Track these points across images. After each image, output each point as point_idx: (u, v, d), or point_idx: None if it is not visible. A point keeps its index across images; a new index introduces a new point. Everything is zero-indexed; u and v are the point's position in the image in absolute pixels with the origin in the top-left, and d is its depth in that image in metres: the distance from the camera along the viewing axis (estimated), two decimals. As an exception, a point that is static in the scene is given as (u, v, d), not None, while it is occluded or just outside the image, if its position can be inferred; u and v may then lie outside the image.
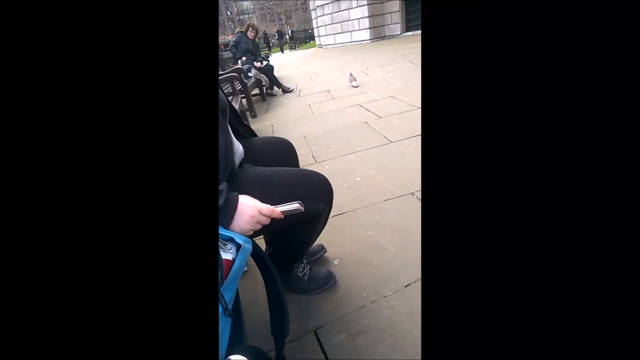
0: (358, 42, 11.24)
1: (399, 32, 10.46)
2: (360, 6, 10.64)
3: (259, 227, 0.61)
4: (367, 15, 10.53)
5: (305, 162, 2.07)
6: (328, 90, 4.27)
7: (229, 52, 4.71)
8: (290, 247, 0.94)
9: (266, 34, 15.79)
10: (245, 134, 0.96)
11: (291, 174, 0.82)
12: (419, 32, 7.69)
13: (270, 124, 3.24)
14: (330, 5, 12.11)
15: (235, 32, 5.05)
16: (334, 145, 2.30)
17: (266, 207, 0.61)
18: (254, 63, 4.58)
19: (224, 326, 0.47)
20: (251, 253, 0.57)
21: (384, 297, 0.98)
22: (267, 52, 9.43)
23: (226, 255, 0.50)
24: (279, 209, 0.63)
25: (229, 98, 0.90)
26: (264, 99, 4.60)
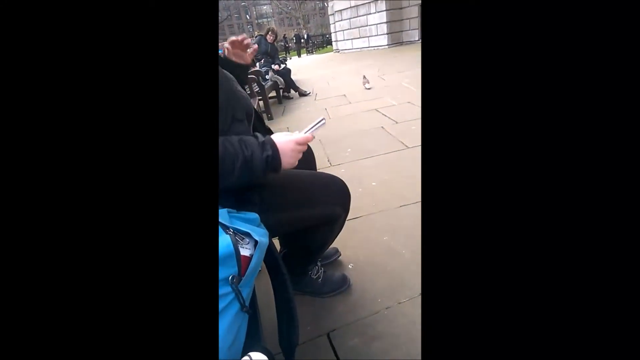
0: (375, 48, 11.22)
1: (416, 38, 10.40)
2: (378, 11, 10.64)
3: (300, 156, 0.67)
4: (385, 20, 10.52)
5: (321, 165, 2.07)
6: (344, 95, 4.27)
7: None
8: (306, 250, 0.94)
9: (285, 38, 15.97)
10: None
11: (310, 177, 0.82)
12: (438, 38, 7.57)
13: (287, 126, 3.26)
14: (349, 10, 12.15)
15: (255, 35, 5.12)
16: (349, 149, 2.30)
17: (300, 137, 0.67)
18: (272, 66, 4.63)
19: (241, 323, 0.48)
20: None
21: (399, 303, 0.97)
22: (285, 55, 9.51)
23: (244, 251, 0.50)
24: (308, 133, 0.69)
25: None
26: (280, 102, 4.64)
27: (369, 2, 10.83)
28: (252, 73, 3.68)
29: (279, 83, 4.49)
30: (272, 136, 0.67)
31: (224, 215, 0.53)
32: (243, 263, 0.48)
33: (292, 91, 4.97)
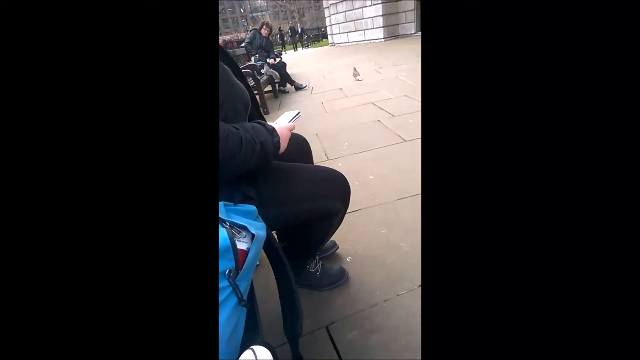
0: (371, 41, 11.16)
1: (413, 31, 10.35)
2: (374, 4, 10.56)
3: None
4: (381, 13, 10.45)
5: (318, 159, 2.06)
6: (341, 88, 4.25)
7: (243, 49, 4.74)
8: (304, 244, 0.93)
9: (281, 32, 15.79)
10: None
11: (310, 171, 0.81)
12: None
13: (283, 120, 3.24)
14: (344, 3, 12.06)
15: (250, 29, 5.07)
16: (346, 143, 2.29)
17: (290, 125, 0.77)
18: (267, 60, 4.59)
19: (239, 317, 0.47)
20: (264, 244, 0.56)
21: (397, 295, 0.97)
22: (280, 49, 9.44)
23: (241, 245, 0.49)
24: (291, 123, 0.80)
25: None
26: (276, 96, 4.61)
27: (365, -5, 10.76)
28: (247, 67, 3.65)
29: (274, 77, 4.46)
30: (271, 123, 0.72)
31: (220, 208, 0.52)
32: (240, 257, 0.47)
33: (288, 85, 4.94)
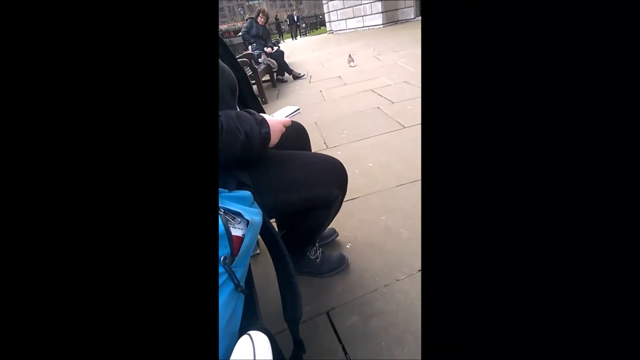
0: (370, 27, 10.98)
1: (412, 16, 10.17)
2: (372, -11, 10.37)
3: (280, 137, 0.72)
4: (379, -1, 10.26)
5: (317, 147, 2.05)
6: (339, 76, 4.20)
7: (239, 38, 4.68)
8: (303, 231, 0.93)
9: (277, 20, 15.52)
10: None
11: (307, 158, 0.81)
12: (434, 15, 7.49)
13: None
14: (342, -11, 11.84)
15: (246, 18, 4.99)
16: (345, 131, 2.28)
17: (284, 120, 0.73)
18: (264, 49, 4.53)
19: (237, 303, 0.47)
20: (261, 230, 0.56)
21: (397, 280, 0.97)
22: (277, 38, 9.31)
23: (235, 231, 0.49)
24: (287, 118, 0.76)
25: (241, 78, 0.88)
26: (274, 85, 4.57)
27: (363, -20, 10.55)
28: (245, 56, 3.60)
29: (272, 66, 4.41)
30: (263, 115, 0.68)
31: (214, 195, 0.51)
32: (235, 243, 0.47)
33: (286, 74, 4.89)
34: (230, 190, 0.60)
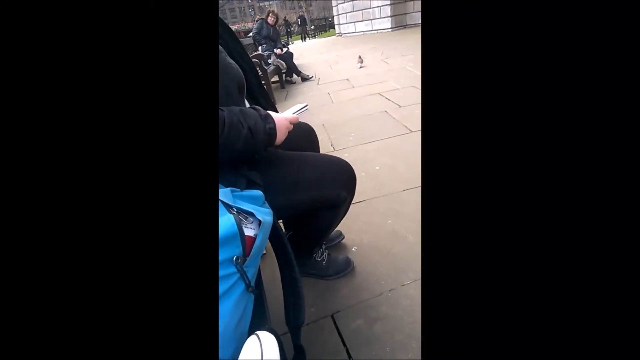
0: (379, 31, 10.98)
1: (421, 21, 10.15)
2: (382, -7, 10.37)
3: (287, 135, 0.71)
4: (388, 2, 10.25)
5: (324, 149, 2.06)
6: (347, 79, 4.21)
7: (250, 39, 4.70)
8: (310, 233, 0.93)
9: (287, 21, 15.57)
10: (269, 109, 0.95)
11: (317, 159, 0.81)
12: (443, 20, 7.47)
13: (289, 111, 3.23)
14: (352, -8, 11.86)
15: (256, 19, 5.02)
16: (352, 134, 2.28)
17: (291, 117, 0.73)
18: (274, 50, 4.55)
19: (247, 303, 0.47)
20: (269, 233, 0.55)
21: (402, 285, 0.97)
22: (287, 39, 9.34)
23: (248, 231, 0.49)
24: (294, 115, 0.76)
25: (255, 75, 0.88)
26: (282, 87, 4.59)
27: (373, -17, 10.56)
28: (255, 57, 3.62)
29: (281, 67, 4.43)
30: (269, 112, 0.68)
31: (227, 194, 0.52)
32: (247, 243, 0.47)
33: (295, 76, 4.90)
34: (241, 189, 0.60)
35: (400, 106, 2.68)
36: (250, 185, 0.67)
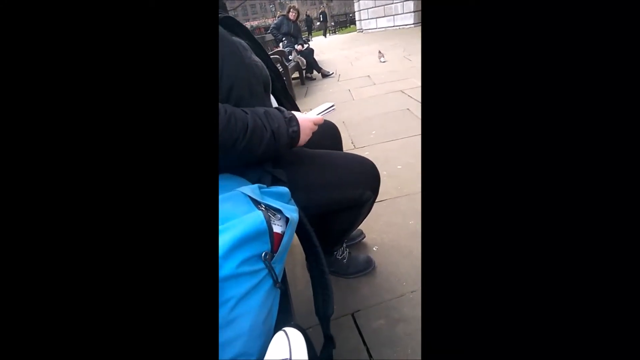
0: (401, 27, 10.80)
1: (445, 16, 9.90)
2: (405, -12, 10.18)
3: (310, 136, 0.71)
4: (412, -2, 10.06)
5: (345, 147, 2.03)
6: (368, 76, 4.16)
7: (271, 34, 4.73)
8: (333, 231, 0.93)
9: (308, 17, 15.53)
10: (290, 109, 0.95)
11: (342, 158, 0.80)
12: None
13: (310, 108, 3.22)
14: (374, -13, 11.70)
15: (278, 15, 5.05)
16: (373, 132, 2.25)
17: (316, 118, 0.72)
18: (295, 46, 4.56)
19: (274, 299, 0.48)
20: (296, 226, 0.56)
21: (425, 287, 0.95)
22: (307, 35, 9.34)
23: (276, 228, 0.50)
24: (319, 116, 0.74)
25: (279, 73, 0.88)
26: (303, 83, 4.59)
27: (396, -22, 10.38)
28: (276, 53, 3.64)
29: (300, 64, 4.43)
30: (295, 112, 0.68)
31: (255, 190, 0.52)
32: (275, 240, 0.47)
33: (315, 72, 4.89)
34: (267, 185, 0.61)
35: (422, 104, 2.63)
36: (275, 182, 0.68)
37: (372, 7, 12.21)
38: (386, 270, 1.04)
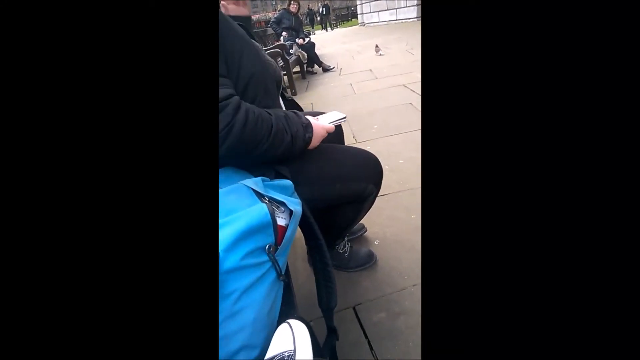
0: (403, 20, 10.70)
1: (448, 10, 9.80)
2: (408, -19, 10.07)
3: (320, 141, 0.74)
4: (415, -10, 9.95)
5: (346, 141, 2.03)
6: (370, 70, 4.14)
7: (272, 28, 4.69)
8: (335, 225, 0.93)
9: (310, 10, 15.38)
10: (289, 108, 0.95)
11: (344, 152, 0.80)
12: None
13: (310, 102, 3.22)
14: (376, -20, 11.57)
15: (278, 9, 5.00)
16: (375, 126, 2.24)
17: (328, 127, 0.75)
18: (296, 40, 4.52)
19: (277, 291, 0.48)
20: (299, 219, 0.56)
21: (426, 281, 0.96)
22: (309, 29, 9.26)
23: (280, 221, 0.50)
24: (331, 124, 0.77)
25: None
26: (304, 77, 4.57)
27: (399, -29, 10.27)
28: (277, 47, 3.61)
29: (301, 58, 4.40)
30: (310, 118, 0.71)
31: (258, 183, 0.52)
32: (280, 232, 0.47)
33: (316, 66, 4.86)
34: (270, 179, 0.61)
35: (425, 98, 2.62)
36: (278, 176, 0.68)
37: (375, 1, 12.09)
38: (388, 264, 1.05)
